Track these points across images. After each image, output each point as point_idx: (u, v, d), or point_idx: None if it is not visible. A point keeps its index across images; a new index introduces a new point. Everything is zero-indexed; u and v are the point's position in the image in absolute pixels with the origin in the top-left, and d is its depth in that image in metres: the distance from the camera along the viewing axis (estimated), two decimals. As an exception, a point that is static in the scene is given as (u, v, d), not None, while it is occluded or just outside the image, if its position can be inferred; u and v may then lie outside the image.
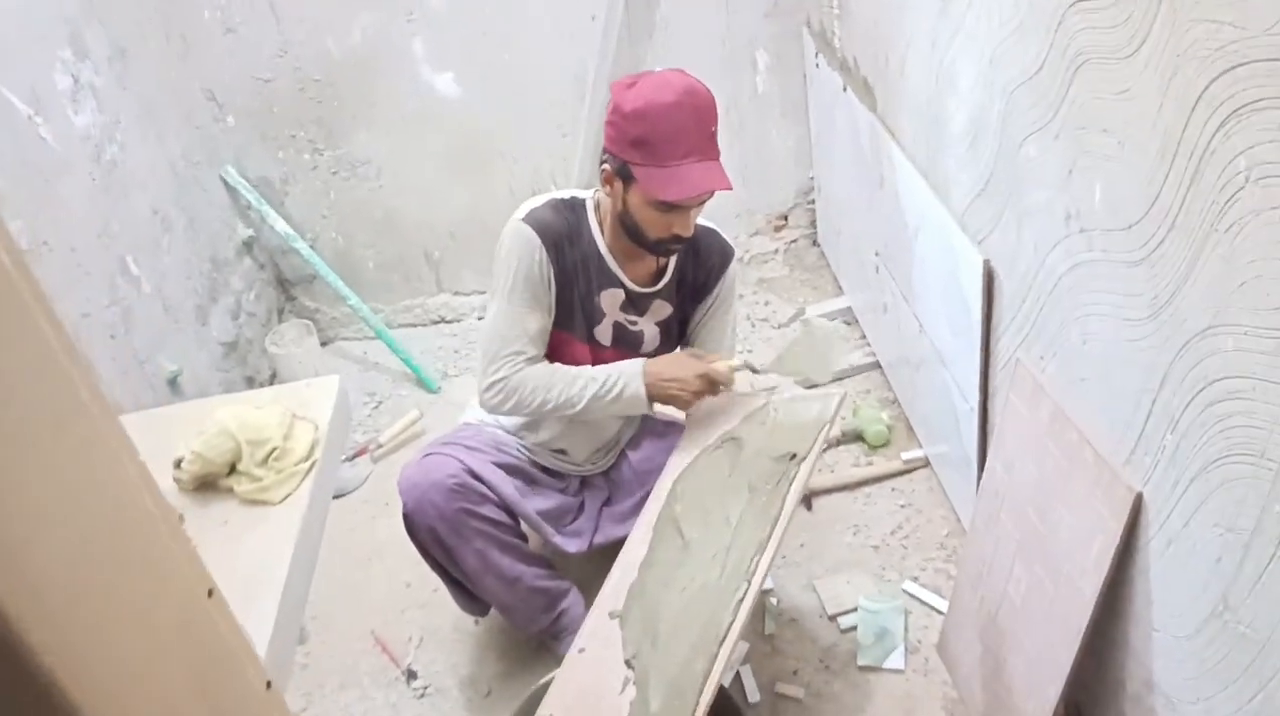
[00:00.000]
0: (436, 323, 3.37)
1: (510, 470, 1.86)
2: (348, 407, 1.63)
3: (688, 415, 1.87)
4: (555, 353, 1.84)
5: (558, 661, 2.02)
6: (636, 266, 1.81)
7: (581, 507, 1.96)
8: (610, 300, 1.81)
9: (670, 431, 2.02)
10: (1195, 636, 1.29)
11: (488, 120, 3.07)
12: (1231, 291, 1.09)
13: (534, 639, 2.08)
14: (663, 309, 1.88)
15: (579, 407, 1.74)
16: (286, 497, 1.36)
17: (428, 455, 1.80)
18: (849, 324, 3.00)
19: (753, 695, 1.97)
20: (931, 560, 2.21)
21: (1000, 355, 1.84)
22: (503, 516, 1.82)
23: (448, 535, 1.76)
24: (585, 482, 2.01)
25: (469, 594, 1.94)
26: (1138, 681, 1.49)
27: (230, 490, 1.39)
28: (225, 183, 3.00)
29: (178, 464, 1.40)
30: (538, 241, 1.71)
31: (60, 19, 2.34)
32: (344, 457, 2.72)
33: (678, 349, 1.94)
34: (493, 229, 1.81)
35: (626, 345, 1.87)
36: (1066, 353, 1.54)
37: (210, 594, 0.56)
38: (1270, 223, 1.01)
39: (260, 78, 2.93)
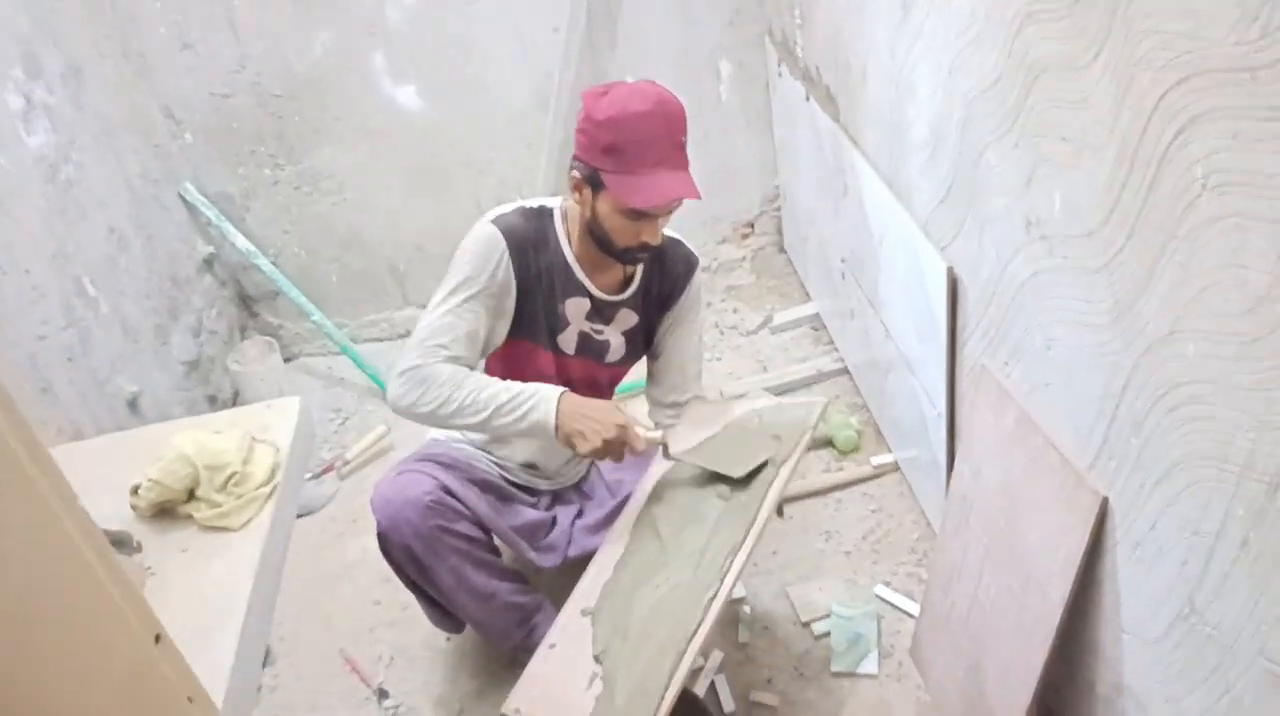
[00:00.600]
0: (403, 336, 3.34)
1: (484, 486, 1.85)
2: (310, 428, 1.61)
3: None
4: (518, 362, 1.82)
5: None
6: (603, 275, 1.80)
7: (554, 522, 1.95)
8: (575, 308, 1.80)
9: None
10: (1163, 639, 1.30)
11: (451, 133, 3.05)
12: (1191, 297, 1.10)
13: (507, 655, 2.06)
14: (629, 318, 1.87)
15: (482, 416, 1.64)
16: (247, 523, 1.34)
17: (401, 472, 1.78)
18: (816, 329, 3.01)
19: (727, 704, 1.96)
20: (903, 564, 2.22)
21: (966, 361, 1.85)
22: (478, 533, 1.80)
23: (423, 553, 1.74)
24: (557, 497, 2.00)
25: (442, 611, 1.92)
26: (1107, 684, 1.49)
27: (189, 516, 1.37)
28: (184, 200, 2.96)
29: (135, 490, 1.37)
30: (503, 244, 1.70)
31: (12, 38, 2.30)
32: (310, 475, 2.68)
33: (607, 402, 1.79)
34: (458, 241, 1.80)
35: (592, 354, 1.86)
36: (1030, 358, 1.55)
37: (158, 639, 0.54)
38: (1227, 230, 1.02)
39: (219, 93, 2.89)
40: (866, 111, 2.18)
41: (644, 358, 2.00)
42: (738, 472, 1.68)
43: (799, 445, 1.72)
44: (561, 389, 1.68)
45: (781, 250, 3.41)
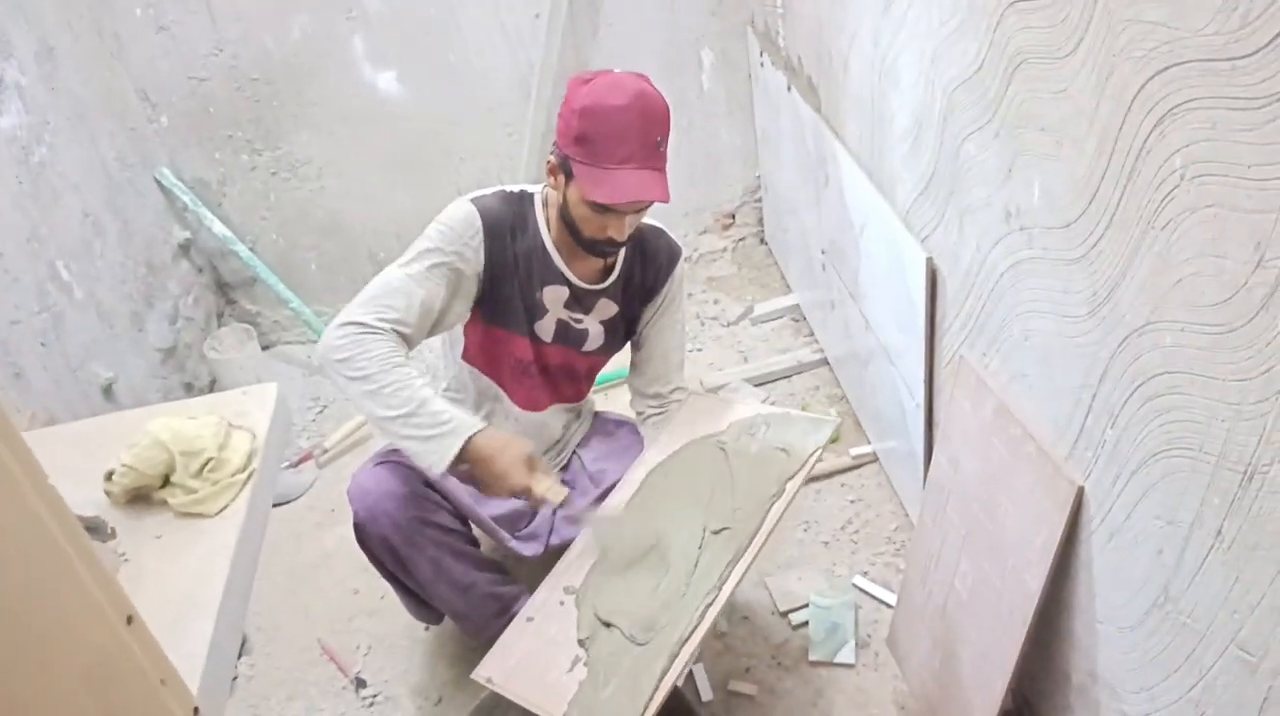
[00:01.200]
0: (382, 325, 3.32)
1: (463, 476, 1.84)
2: (287, 415, 1.59)
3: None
4: (494, 351, 1.81)
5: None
6: (583, 264, 1.79)
7: (535, 511, 1.94)
8: (554, 296, 1.79)
9: (620, 431, 2.01)
10: (1138, 627, 1.31)
11: (432, 119, 3.03)
12: (1168, 288, 1.11)
13: (485, 645, 2.05)
14: (608, 308, 1.86)
15: (394, 413, 1.51)
16: (223, 510, 1.32)
17: (379, 462, 1.77)
18: (797, 320, 3.01)
19: (705, 693, 1.97)
20: (881, 554, 2.23)
21: (945, 352, 1.86)
22: (456, 523, 1.80)
23: (401, 544, 1.73)
24: (537, 486, 1.99)
25: (421, 602, 1.91)
26: (1083, 672, 1.51)
27: (164, 503, 1.35)
28: (160, 184, 2.93)
29: (109, 476, 1.36)
30: (479, 223, 1.68)
31: (-18, 16, 2.26)
32: (288, 464, 2.67)
33: (522, 445, 1.63)
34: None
35: (570, 342, 1.85)
36: (1008, 349, 1.56)
37: (129, 621, 0.53)
38: (1205, 220, 1.02)
39: (195, 77, 2.86)
40: (848, 102, 2.18)
41: (625, 347, 1.99)
42: (617, 570, 1.61)
43: (808, 463, 1.70)
44: (473, 429, 1.54)
45: (762, 241, 3.41)
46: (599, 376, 2.03)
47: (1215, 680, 1.16)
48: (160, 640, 1.15)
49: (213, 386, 2.98)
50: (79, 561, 0.48)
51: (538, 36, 2.92)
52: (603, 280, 1.84)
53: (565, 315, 1.82)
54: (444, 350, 1.91)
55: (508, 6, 2.89)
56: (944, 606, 1.75)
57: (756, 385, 2.78)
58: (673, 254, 1.89)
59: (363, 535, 1.74)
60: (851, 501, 2.38)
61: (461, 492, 1.79)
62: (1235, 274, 0.99)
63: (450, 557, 1.77)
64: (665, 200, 1.61)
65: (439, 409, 1.53)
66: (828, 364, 2.80)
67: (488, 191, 1.75)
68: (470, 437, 1.53)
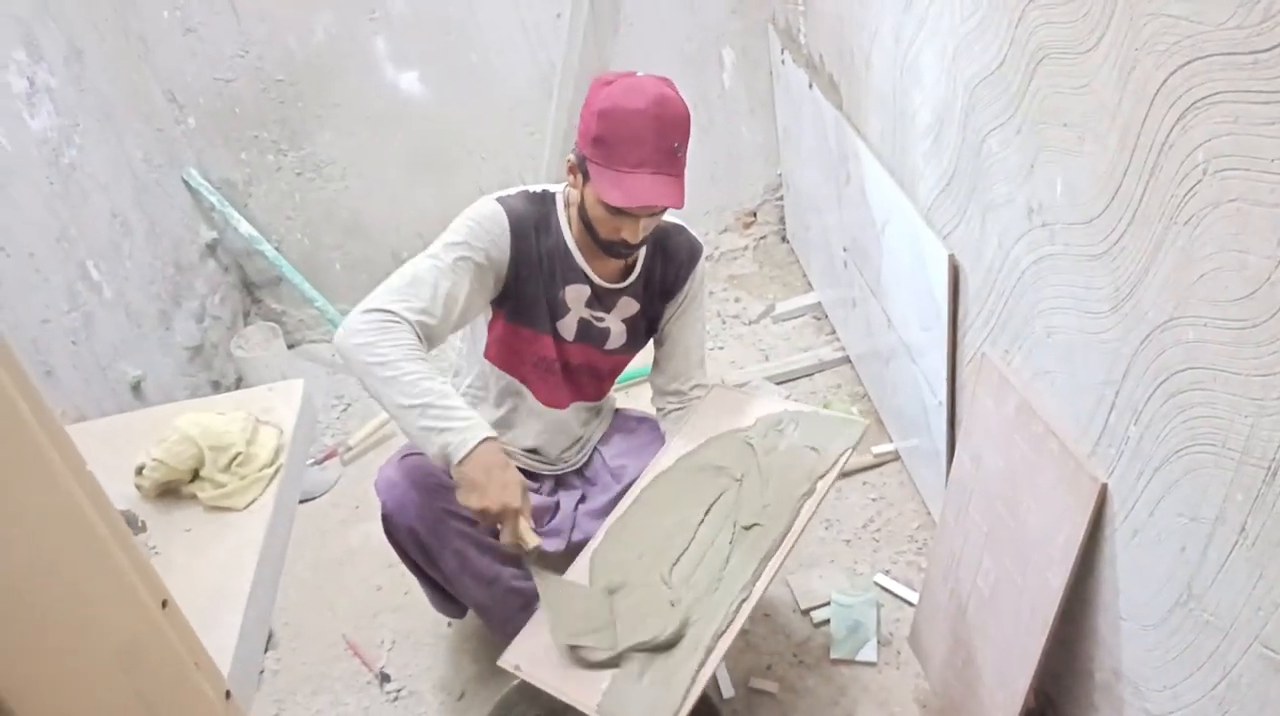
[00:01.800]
0: (405, 323, 3.35)
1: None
2: (312, 411, 1.61)
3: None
4: (517, 348, 1.82)
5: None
6: (604, 263, 1.80)
7: (558, 507, 1.95)
8: (575, 295, 1.80)
9: (640, 427, 2.01)
10: (1161, 625, 1.31)
11: (454, 119, 3.05)
12: (1191, 283, 1.10)
13: (508, 640, 2.06)
14: (630, 306, 1.87)
15: (405, 402, 1.49)
16: (251, 503, 1.34)
17: (406, 455, 1.79)
18: (818, 318, 3.01)
19: (727, 690, 1.97)
20: (903, 553, 2.23)
21: (967, 349, 1.85)
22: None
23: (427, 536, 1.75)
24: (560, 481, 2.00)
25: (445, 596, 1.92)
26: (1106, 670, 1.50)
27: (194, 497, 1.37)
28: (187, 185, 2.96)
29: (139, 471, 1.38)
30: (506, 223, 1.69)
31: (12, 19, 2.30)
32: (313, 461, 2.69)
33: (519, 479, 1.58)
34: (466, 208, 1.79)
35: (591, 341, 1.86)
36: (1031, 346, 1.55)
37: (164, 605, 0.55)
38: (1228, 215, 1.02)
39: (221, 78, 2.89)
40: (870, 99, 2.18)
41: (648, 345, 2.00)
42: (564, 629, 1.52)
43: (838, 463, 1.69)
44: (481, 436, 1.51)
45: (784, 239, 3.41)
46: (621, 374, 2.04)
47: (1239, 678, 1.15)
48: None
49: (239, 384, 3.01)
50: (116, 546, 0.50)
51: (559, 35, 2.94)
52: (624, 279, 1.84)
53: (587, 314, 1.83)
54: (466, 348, 1.93)
55: (528, 6, 2.90)
56: (966, 604, 1.75)
57: (778, 383, 2.78)
58: (694, 251, 1.90)
59: (390, 526, 1.76)
60: (873, 499, 2.38)
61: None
62: (1258, 269, 0.99)
63: (475, 550, 1.79)
64: (679, 206, 1.61)
65: (457, 404, 1.52)
66: (849, 362, 2.80)
67: (511, 191, 1.76)
68: (484, 439, 1.51)
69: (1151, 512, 1.28)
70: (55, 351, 2.21)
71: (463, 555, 1.77)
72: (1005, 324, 1.64)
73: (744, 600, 1.51)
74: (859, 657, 2.00)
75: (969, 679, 1.74)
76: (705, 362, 1.99)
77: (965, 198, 1.73)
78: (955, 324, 1.88)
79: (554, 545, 1.88)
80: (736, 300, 3.21)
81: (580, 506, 1.94)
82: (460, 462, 1.49)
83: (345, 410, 2.99)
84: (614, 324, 1.87)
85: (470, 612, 1.99)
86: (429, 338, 1.60)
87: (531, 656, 1.53)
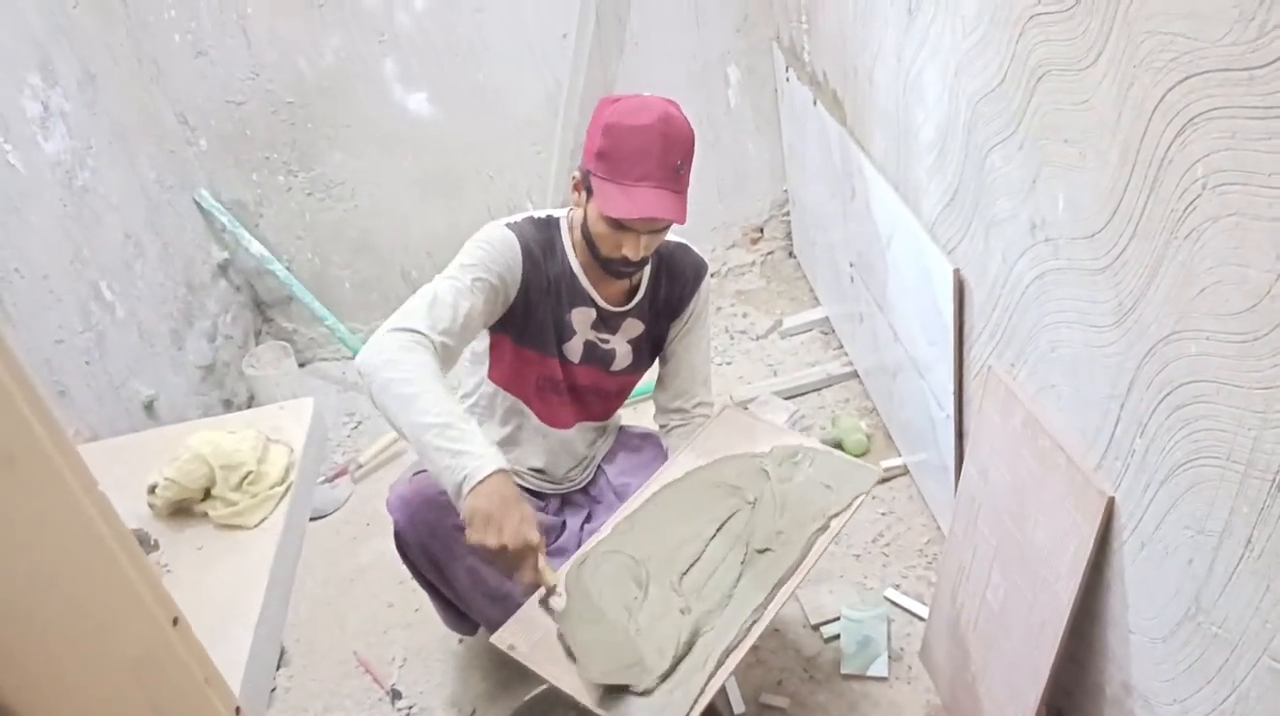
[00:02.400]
0: (415, 341, 3.37)
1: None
2: (323, 430, 1.62)
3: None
4: (522, 371, 1.83)
5: (541, 680, 2.02)
6: (608, 285, 1.81)
7: (563, 526, 1.96)
8: (581, 318, 1.81)
9: (646, 445, 2.02)
10: (1170, 638, 1.30)
11: (462, 139, 3.08)
12: (1193, 297, 1.11)
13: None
14: (635, 327, 1.88)
15: (424, 420, 1.45)
16: (262, 521, 1.36)
17: (418, 473, 1.80)
18: (826, 333, 3.02)
19: (738, 705, 1.97)
20: (913, 567, 2.22)
21: (973, 363, 1.86)
22: None
23: (440, 552, 1.76)
24: (565, 501, 2.01)
25: (457, 613, 1.93)
26: (1116, 684, 1.50)
27: (205, 515, 1.39)
28: (199, 206, 3.00)
29: (152, 490, 1.40)
30: (518, 248, 1.71)
31: (29, 44, 2.33)
32: (324, 479, 2.71)
33: (533, 515, 1.51)
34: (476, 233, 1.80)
35: (598, 363, 1.87)
36: (1036, 360, 1.56)
37: (175, 622, 0.56)
38: (1227, 229, 1.03)
39: (232, 100, 2.93)
40: (874, 115, 2.20)
41: (654, 364, 2.01)
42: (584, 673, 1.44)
43: (852, 506, 1.69)
44: (504, 467, 1.46)
45: (791, 254, 3.42)
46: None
47: (1248, 691, 1.15)
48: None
49: (251, 402, 3.03)
50: (128, 563, 0.51)
51: (565, 55, 2.96)
52: (628, 301, 1.85)
53: (593, 336, 1.84)
54: (470, 368, 1.93)
55: (535, 26, 2.93)
56: (976, 619, 1.75)
57: (786, 398, 2.78)
58: (699, 270, 1.91)
59: (402, 543, 1.77)
60: (883, 514, 2.38)
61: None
62: (1258, 282, 0.99)
63: (487, 567, 1.80)
64: (680, 221, 1.62)
65: (476, 431, 1.48)
66: (857, 376, 2.80)
67: (518, 217, 1.78)
68: (500, 470, 1.44)
69: (1158, 525, 1.28)
70: (69, 371, 2.23)
71: (475, 572, 1.78)
72: (1010, 338, 1.65)
73: (756, 620, 1.51)
74: (870, 673, 1.99)
75: (979, 694, 1.74)
76: (710, 381, 2.00)
77: (969, 213, 1.74)
78: (961, 338, 1.89)
79: (559, 565, 1.88)
80: (744, 315, 3.22)
81: (586, 526, 1.95)
82: (472, 490, 1.42)
83: (356, 428, 3.01)
84: (620, 345, 1.88)
85: (481, 629, 1.99)
86: (445, 360, 1.60)
87: (530, 640, 1.49)
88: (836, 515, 1.67)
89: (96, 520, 0.48)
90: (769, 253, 3.44)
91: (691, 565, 1.61)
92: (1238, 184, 1.00)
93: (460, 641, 2.20)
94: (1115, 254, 1.25)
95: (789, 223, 3.39)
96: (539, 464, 1.95)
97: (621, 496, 1.93)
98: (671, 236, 1.82)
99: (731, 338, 3.13)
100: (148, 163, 2.77)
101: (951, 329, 1.87)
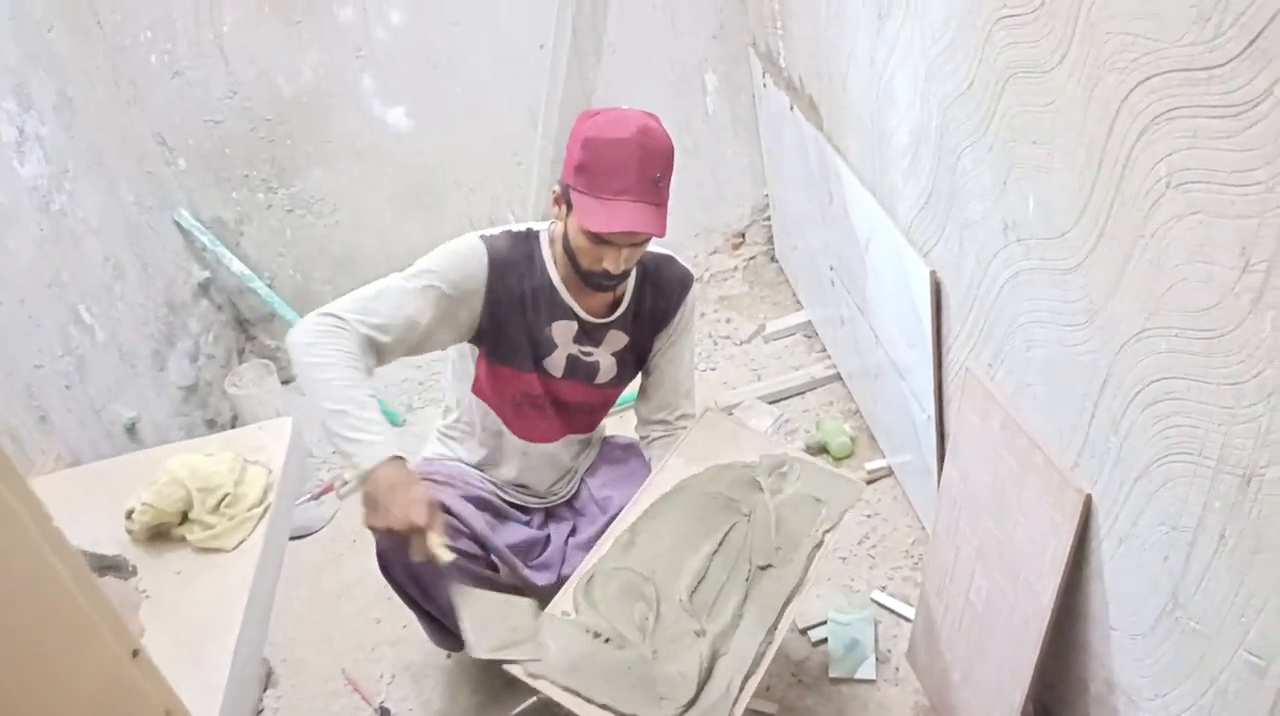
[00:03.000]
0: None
1: (479, 503, 1.86)
2: (303, 448, 1.62)
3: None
4: (501, 387, 1.83)
5: (530, 692, 2.01)
6: (590, 297, 1.81)
7: (548, 540, 1.95)
8: (563, 332, 1.81)
9: (629, 457, 2.02)
10: (1150, 634, 1.31)
11: (442, 152, 3.08)
12: (1161, 294, 1.12)
13: (506, 671, 2.06)
14: (619, 339, 1.88)
15: (328, 406, 1.50)
16: (240, 544, 1.35)
17: None
18: (809, 337, 3.02)
19: (727, 715, 1.97)
20: (899, 569, 2.23)
21: (952, 364, 1.87)
22: (476, 549, 1.81)
23: (422, 569, 1.75)
24: (549, 514, 2.01)
25: (443, 629, 1.92)
26: (1099, 681, 1.50)
27: (183, 539, 1.38)
28: (179, 226, 2.99)
29: (129, 514, 1.39)
30: (485, 260, 1.70)
31: (3, 69, 2.33)
32: (309, 496, 2.70)
33: (428, 496, 1.57)
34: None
35: (581, 377, 1.87)
36: (1013, 360, 1.57)
37: (135, 654, 0.56)
38: (1191, 227, 1.03)
39: (211, 119, 2.92)
40: (849, 120, 2.20)
41: (637, 376, 2.01)
42: (486, 642, 1.53)
43: (840, 521, 1.72)
44: (395, 454, 1.51)
45: (773, 259, 3.43)
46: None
47: (1226, 686, 1.15)
48: (180, 672, 1.18)
49: (234, 422, 3.02)
50: (84, 598, 0.51)
51: (543, 66, 2.97)
52: (611, 313, 1.85)
53: (575, 349, 1.84)
54: (453, 382, 1.93)
55: (512, 38, 2.94)
56: (961, 619, 1.75)
57: (771, 402, 2.79)
58: (685, 282, 1.91)
59: (385, 562, 1.76)
60: (868, 516, 2.38)
61: (478, 520, 1.81)
62: (1223, 279, 1.00)
63: (471, 583, 1.79)
64: (660, 234, 1.63)
65: (374, 418, 1.53)
66: (840, 379, 2.81)
67: (495, 230, 1.78)
68: (390, 458, 1.50)
69: (1135, 522, 1.29)
70: (49, 396, 2.22)
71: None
72: (987, 339, 1.65)
73: (769, 644, 1.54)
74: (858, 675, 2.00)
75: (966, 694, 1.74)
76: (693, 393, 2.00)
77: (944, 215, 1.74)
78: (939, 340, 1.89)
79: (545, 579, 1.88)
80: (728, 321, 3.22)
81: (570, 539, 1.94)
82: (365, 476, 1.48)
83: (341, 444, 3.00)
84: (603, 358, 1.88)
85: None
86: (378, 353, 1.62)
87: (556, 662, 1.50)
88: (829, 530, 1.69)
89: (50, 556, 0.47)
90: (751, 258, 3.45)
91: (699, 582, 1.61)
92: (1200, 182, 1.00)
93: (448, 656, 2.19)
94: (1085, 253, 1.26)
95: (770, 227, 3.39)
96: (521, 479, 1.95)
97: (604, 509, 1.93)
98: (657, 248, 1.82)
99: (715, 343, 3.13)
100: (126, 184, 2.76)
101: (929, 331, 1.88)
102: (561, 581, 1.90)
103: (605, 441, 2.10)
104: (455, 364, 1.88)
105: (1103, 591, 1.42)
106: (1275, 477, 0.99)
